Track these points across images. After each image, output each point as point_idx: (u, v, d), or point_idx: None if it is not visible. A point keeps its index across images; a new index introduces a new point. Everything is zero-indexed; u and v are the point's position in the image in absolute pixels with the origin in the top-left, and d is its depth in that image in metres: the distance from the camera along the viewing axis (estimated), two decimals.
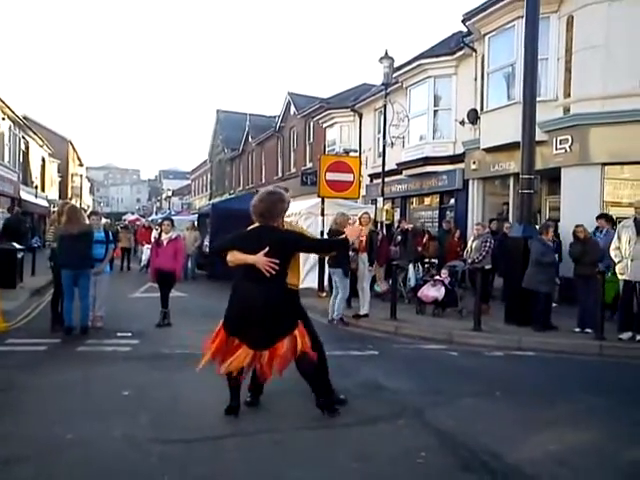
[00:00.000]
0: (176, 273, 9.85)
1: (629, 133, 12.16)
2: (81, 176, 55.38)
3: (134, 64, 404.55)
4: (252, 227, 5.07)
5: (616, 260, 8.88)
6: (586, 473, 4.11)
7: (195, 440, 4.47)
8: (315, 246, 5.66)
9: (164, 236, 9.94)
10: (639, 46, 11.94)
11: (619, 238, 8.90)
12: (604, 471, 4.14)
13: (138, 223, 23.29)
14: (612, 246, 9.00)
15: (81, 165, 58.80)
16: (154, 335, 8.96)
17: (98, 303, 9.33)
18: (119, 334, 8.68)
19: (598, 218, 11.17)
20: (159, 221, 14.43)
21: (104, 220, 13.11)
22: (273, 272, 4.77)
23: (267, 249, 4.76)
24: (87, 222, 9.21)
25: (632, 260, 8.60)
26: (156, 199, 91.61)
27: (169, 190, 65.27)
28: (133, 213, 59.09)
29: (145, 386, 5.96)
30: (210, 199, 45.02)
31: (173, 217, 25.39)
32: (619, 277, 8.85)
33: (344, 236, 5.10)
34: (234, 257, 4.93)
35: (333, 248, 6.13)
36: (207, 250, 18.79)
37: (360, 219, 10.84)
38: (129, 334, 8.73)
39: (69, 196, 45.73)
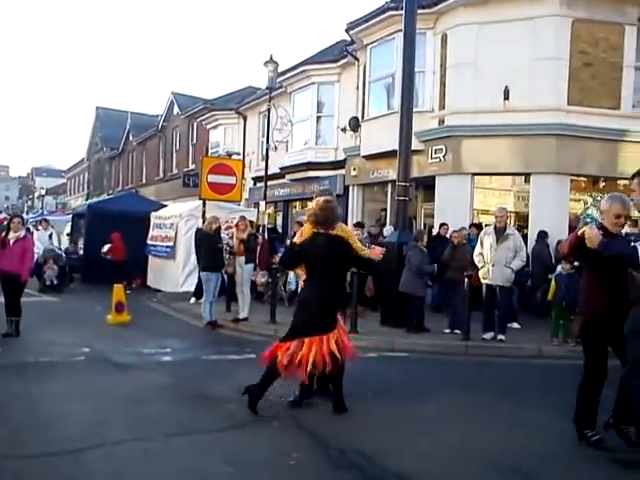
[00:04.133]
0: (22, 276, 8.82)
1: (496, 146, 13.01)
2: None
3: (3, 54, 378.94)
4: (311, 235, 5.49)
5: (479, 265, 9.39)
6: (447, 465, 4.33)
7: (56, 453, 4.25)
8: (356, 261, 5.89)
9: (12, 235, 8.85)
10: (504, 66, 12.81)
11: (481, 244, 9.45)
12: (465, 462, 4.38)
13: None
14: (475, 252, 9.55)
15: None
16: (18, 342, 8.44)
17: None
18: None
19: (470, 227, 11.93)
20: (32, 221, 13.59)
21: None
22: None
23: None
24: None
25: (493, 265, 9.15)
26: (27, 198, 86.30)
27: (42, 189, 61.75)
28: (1, 212, 55.21)
29: (4, 397, 5.59)
30: (87, 199, 43.05)
31: (48, 217, 24.23)
32: (482, 281, 9.42)
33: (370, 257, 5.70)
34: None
35: (369, 266, 6.39)
36: (81, 252, 17.90)
37: (237, 225, 10.82)
38: None
39: None
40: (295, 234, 9.50)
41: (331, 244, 5.42)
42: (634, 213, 5.23)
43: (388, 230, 12.97)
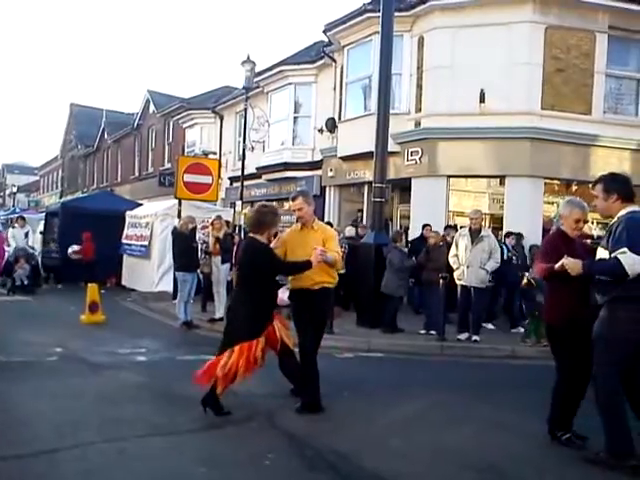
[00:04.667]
0: None
1: (471, 149, 13.16)
2: None
3: None
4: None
5: (454, 267, 9.48)
6: (423, 464, 4.38)
7: (29, 455, 4.20)
8: (275, 267, 5.44)
9: None
10: (480, 70, 12.93)
11: (456, 246, 9.54)
12: (441, 461, 4.42)
13: None
14: (450, 253, 9.64)
15: None
16: None
17: None
18: None
19: (446, 229, 12.06)
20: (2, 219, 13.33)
21: None
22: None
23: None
24: None
25: (468, 267, 9.26)
26: None
27: (14, 186, 60.47)
28: None
29: None
30: (61, 197, 42.47)
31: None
32: (457, 282, 9.50)
33: (309, 261, 5.20)
34: None
35: (293, 271, 5.61)
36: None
37: (212, 223, 10.80)
38: None
39: None
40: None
41: (249, 249, 5.34)
42: (591, 217, 5.29)
43: (349, 231, 13.11)
